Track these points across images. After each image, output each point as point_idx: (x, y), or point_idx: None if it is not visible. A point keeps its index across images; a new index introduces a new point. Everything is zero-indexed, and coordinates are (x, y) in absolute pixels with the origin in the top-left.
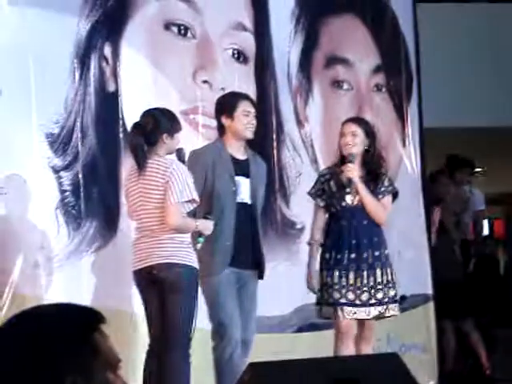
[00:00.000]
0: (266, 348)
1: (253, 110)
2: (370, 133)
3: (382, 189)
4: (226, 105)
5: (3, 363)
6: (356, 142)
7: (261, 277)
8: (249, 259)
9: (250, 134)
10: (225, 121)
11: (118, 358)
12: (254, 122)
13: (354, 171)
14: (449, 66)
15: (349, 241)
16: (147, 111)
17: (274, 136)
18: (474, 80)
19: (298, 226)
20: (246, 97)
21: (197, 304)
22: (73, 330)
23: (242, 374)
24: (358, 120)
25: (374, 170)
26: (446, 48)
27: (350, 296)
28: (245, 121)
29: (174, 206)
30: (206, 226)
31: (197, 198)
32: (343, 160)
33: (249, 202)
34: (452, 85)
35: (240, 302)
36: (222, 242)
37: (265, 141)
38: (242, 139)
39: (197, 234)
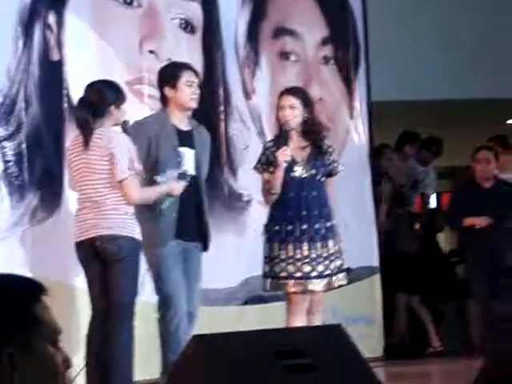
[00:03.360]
0: (212, 321)
1: (196, 80)
2: (307, 102)
3: (330, 166)
4: (169, 75)
5: None
6: (295, 114)
7: (205, 248)
8: (193, 231)
9: (193, 104)
10: (168, 91)
11: (58, 330)
12: (198, 92)
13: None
14: (399, 37)
15: (299, 212)
16: (91, 84)
17: (222, 108)
18: (424, 53)
19: (245, 199)
20: (188, 67)
21: (139, 276)
22: (12, 300)
23: (185, 347)
24: (295, 90)
25: (316, 139)
26: (395, 18)
27: (306, 268)
28: (188, 91)
29: (129, 180)
30: (176, 187)
31: (141, 169)
32: (283, 133)
33: (193, 173)
34: (403, 57)
35: (185, 273)
36: (167, 213)
37: (212, 112)
38: (185, 110)
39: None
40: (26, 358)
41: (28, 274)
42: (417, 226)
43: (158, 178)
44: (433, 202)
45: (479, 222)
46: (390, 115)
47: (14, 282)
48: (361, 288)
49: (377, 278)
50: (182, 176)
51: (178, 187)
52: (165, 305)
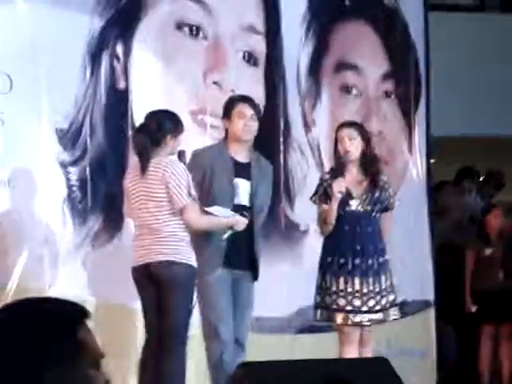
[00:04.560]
0: (266, 349)
1: (250, 112)
2: (366, 136)
3: (385, 202)
4: (225, 107)
5: None
6: (354, 146)
7: (255, 278)
8: (243, 260)
9: (245, 136)
10: (224, 123)
11: (101, 354)
12: (252, 123)
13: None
14: (460, 74)
15: (353, 246)
16: (151, 113)
17: (281, 139)
18: (486, 89)
19: (302, 229)
20: (243, 99)
21: (193, 302)
22: (56, 324)
23: (233, 374)
24: (353, 124)
25: (373, 173)
26: (458, 56)
27: (357, 303)
28: (240, 123)
29: (190, 206)
30: (239, 221)
31: (197, 197)
32: (340, 165)
33: (247, 204)
34: (465, 93)
35: (234, 302)
36: (216, 241)
37: (272, 143)
38: (240, 141)
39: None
40: (68, 380)
41: (89, 296)
42: None
43: (213, 211)
44: None
45: None
46: (451, 150)
47: (59, 305)
48: (415, 321)
49: (431, 311)
50: (236, 209)
51: (242, 222)
52: (210, 333)
